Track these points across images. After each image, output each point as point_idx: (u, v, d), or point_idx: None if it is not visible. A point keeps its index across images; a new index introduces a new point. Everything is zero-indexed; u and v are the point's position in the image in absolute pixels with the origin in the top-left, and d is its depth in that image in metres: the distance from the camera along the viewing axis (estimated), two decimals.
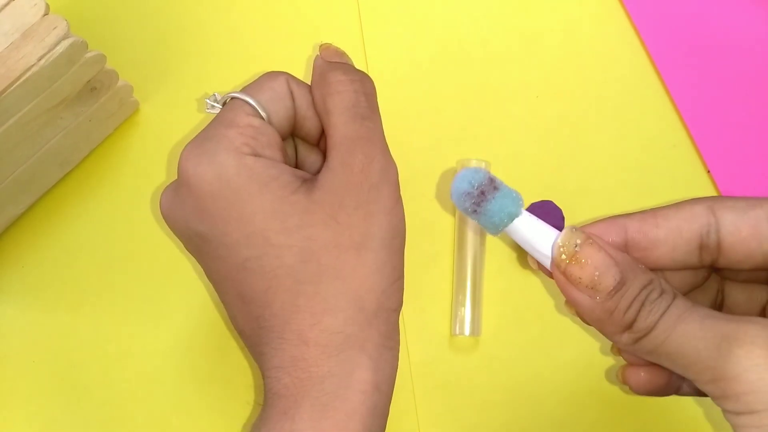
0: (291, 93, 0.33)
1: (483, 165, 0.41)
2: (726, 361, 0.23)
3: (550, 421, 0.38)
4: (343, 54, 0.34)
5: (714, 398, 0.24)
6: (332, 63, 0.33)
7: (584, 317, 0.27)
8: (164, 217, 0.32)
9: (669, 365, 0.26)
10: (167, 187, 0.32)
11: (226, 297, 0.31)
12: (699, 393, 0.29)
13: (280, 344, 0.29)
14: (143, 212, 0.42)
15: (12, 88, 0.34)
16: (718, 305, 0.31)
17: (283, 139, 0.33)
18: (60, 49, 0.35)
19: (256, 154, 0.30)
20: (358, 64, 0.43)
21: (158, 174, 0.42)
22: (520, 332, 0.40)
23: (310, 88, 0.33)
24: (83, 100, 0.39)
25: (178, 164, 0.30)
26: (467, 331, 0.39)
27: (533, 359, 0.39)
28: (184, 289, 0.41)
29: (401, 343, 0.39)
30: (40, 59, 0.34)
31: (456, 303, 0.39)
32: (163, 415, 0.39)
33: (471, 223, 0.40)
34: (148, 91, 0.43)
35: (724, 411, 0.24)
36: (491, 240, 0.41)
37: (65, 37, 0.35)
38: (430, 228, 0.41)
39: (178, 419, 0.39)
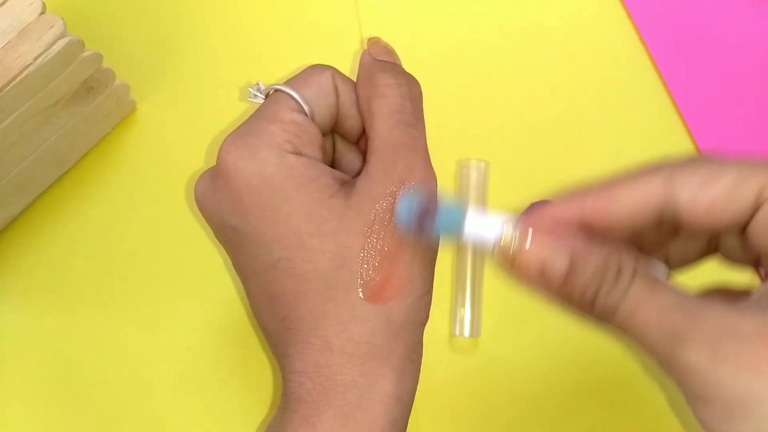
0: (336, 89, 0.32)
1: (482, 165, 0.41)
2: (676, 357, 0.23)
3: (550, 421, 0.38)
4: (391, 52, 0.33)
5: (677, 385, 0.24)
6: (381, 63, 0.32)
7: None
8: (197, 203, 0.32)
9: (638, 345, 0.25)
10: (204, 173, 0.32)
11: (253, 293, 0.31)
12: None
13: (305, 348, 0.29)
14: (141, 212, 0.42)
15: (9, 87, 0.34)
16: (713, 250, 0.29)
17: (324, 135, 0.32)
18: (56, 48, 0.34)
19: (297, 153, 0.30)
20: (356, 61, 0.43)
21: (155, 174, 0.42)
22: (519, 333, 0.39)
23: (355, 85, 0.32)
24: (80, 99, 0.39)
25: (218, 155, 0.30)
26: (467, 332, 0.39)
27: (533, 360, 0.39)
28: (183, 289, 0.40)
29: None
30: (36, 58, 0.34)
31: (456, 304, 0.39)
32: (162, 416, 0.38)
33: None
34: (145, 90, 0.43)
35: (686, 399, 0.24)
36: None
37: (62, 36, 0.34)
38: None
39: (175, 421, 0.38)
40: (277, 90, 0.31)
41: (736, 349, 0.22)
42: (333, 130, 0.33)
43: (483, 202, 0.41)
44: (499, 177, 0.42)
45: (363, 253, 0.29)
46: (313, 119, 0.31)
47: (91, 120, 0.41)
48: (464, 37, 0.44)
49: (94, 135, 0.42)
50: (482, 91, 0.43)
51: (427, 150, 0.31)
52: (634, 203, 0.26)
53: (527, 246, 0.25)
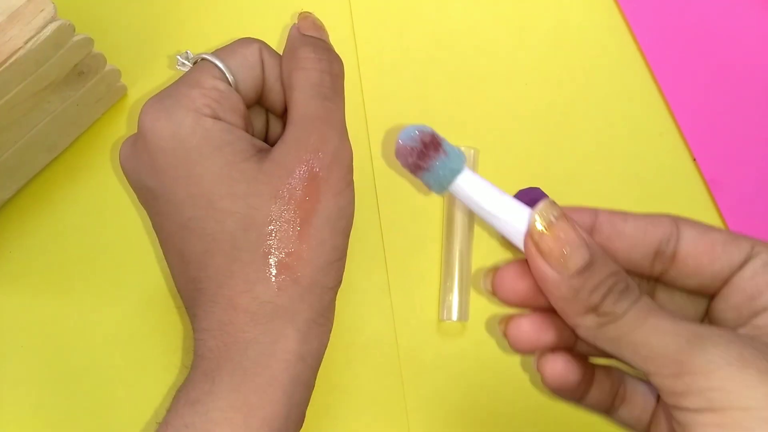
0: (262, 62, 0.33)
1: (471, 152, 0.41)
2: (697, 357, 0.23)
3: (536, 405, 0.39)
4: (320, 27, 0.33)
5: (669, 394, 0.24)
6: (305, 37, 0.32)
7: (548, 293, 0.27)
8: (122, 168, 0.32)
9: (628, 356, 0.26)
10: (127, 138, 0.32)
11: (168, 255, 0.32)
12: (604, 410, 0.30)
13: (211, 307, 0.29)
14: (130, 197, 0.42)
15: None
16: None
17: (249, 107, 0.33)
18: (47, 32, 0.34)
19: (216, 117, 0.30)
20: (349, 51, 0.44)
21: None
22: None
23: (281, 59, 0.33)
24: (70, 84, 0.39)
25: (138, 117, 0.31)
26: (455, 316, 0.39)
27: None
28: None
29: (389, 329, 0.40)
30: (26, 42, 0.34)
31: (444, 289, 0.40)
32: (151, 399, 0.39)
33: (460, 209, 0.40)
34: (136, 76, 0.43)
35: (678, 409, 0.24)
36: (479, 226, 0.41)
37: (52, 20, 0.34)
38: (418, 214, 0.41)
39: (166, 402, 0.39)
40: (203, 59, 0.32)
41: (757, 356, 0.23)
42: (259, 103, 0.34)
43: None
44: (488, 164, 0.42)
45: (272, 219, 0.29)
46: (237, 89, 0.32)
47: (82, 105, 0.40)
48: (454, 24, 0.45)
49: (84, 120, 0.42)
50: (472, 79, 0.44)
51: (344, 123, 0.32)
52: (643, 225, 0.28)
53: (559, 228, 0.26)
